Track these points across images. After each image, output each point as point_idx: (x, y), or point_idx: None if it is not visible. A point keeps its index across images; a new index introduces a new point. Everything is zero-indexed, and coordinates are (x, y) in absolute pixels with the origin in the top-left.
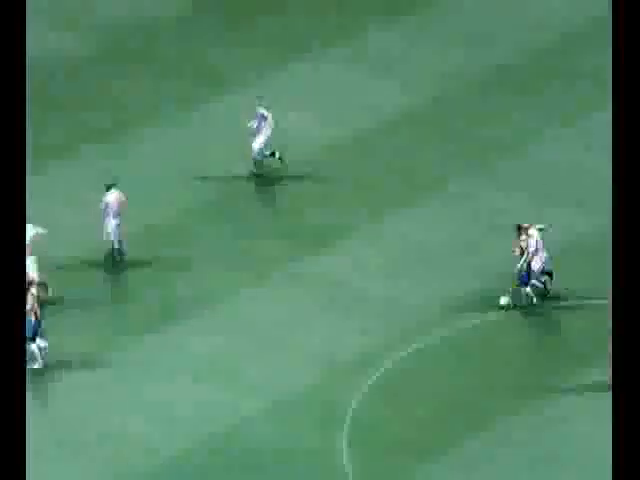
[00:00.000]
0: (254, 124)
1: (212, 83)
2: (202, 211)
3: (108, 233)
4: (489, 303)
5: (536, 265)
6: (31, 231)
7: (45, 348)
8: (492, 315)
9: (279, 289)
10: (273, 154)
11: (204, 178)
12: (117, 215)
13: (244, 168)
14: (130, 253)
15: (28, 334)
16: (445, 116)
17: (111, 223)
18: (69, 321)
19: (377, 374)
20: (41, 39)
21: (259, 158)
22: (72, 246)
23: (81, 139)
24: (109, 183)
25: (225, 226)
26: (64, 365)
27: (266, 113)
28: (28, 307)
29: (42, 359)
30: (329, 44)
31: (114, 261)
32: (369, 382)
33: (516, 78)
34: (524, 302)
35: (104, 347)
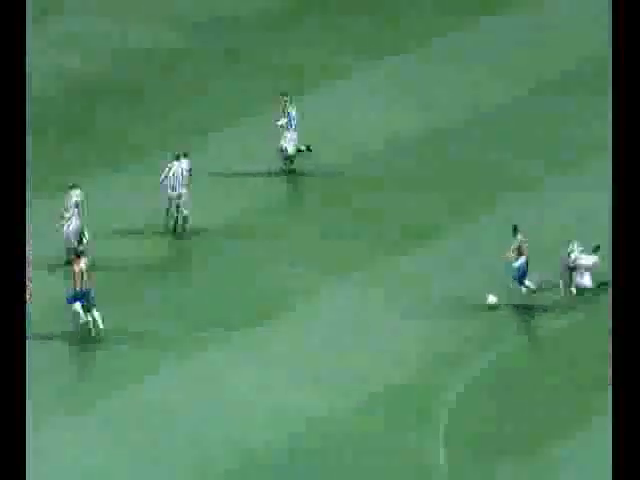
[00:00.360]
0: (284, 122)
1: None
2: (282, 209)
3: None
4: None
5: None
6: (77, 197)
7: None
8: (580, 315)
9: (365, 288)
10: (308, 148)
11: (281, 175)
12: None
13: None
14: (210, 248)
15: (71, 302)
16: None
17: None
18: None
19: (473, 373)
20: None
21: (291, 153)
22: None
23: (168, 133)
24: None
25: (309, 225)
26: (144, 353)
27: (294, 112)
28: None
29: (84, 324)
30: (423, 44)
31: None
32: (465, 382)
33: None
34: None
35: (194, 343)
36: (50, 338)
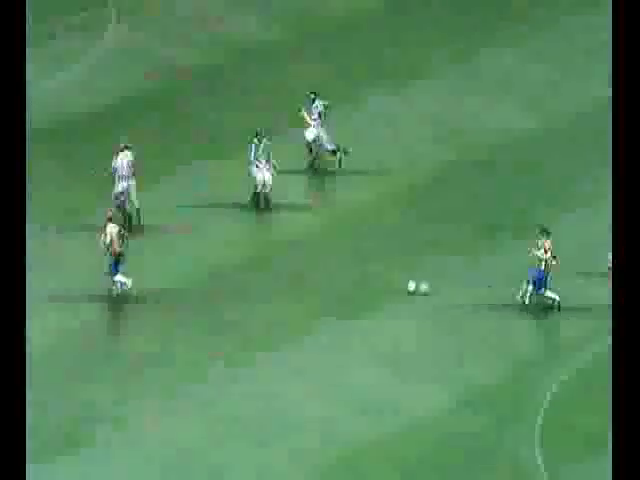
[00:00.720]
0: (313, 116)
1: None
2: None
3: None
4: None
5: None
6: (128, 157)
7: (124, 284)
8: None
9: (465, 282)
10: (338, 150)
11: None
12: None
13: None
14: (317, 244)
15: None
16: None
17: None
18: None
19: (568, 373)
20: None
21: (309, 140)
22: None
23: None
24: None
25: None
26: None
27: (321, 109)
28: (107, 242)
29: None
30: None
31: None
32: (560, 380)
33: None
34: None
35: (296, 330)
36: None
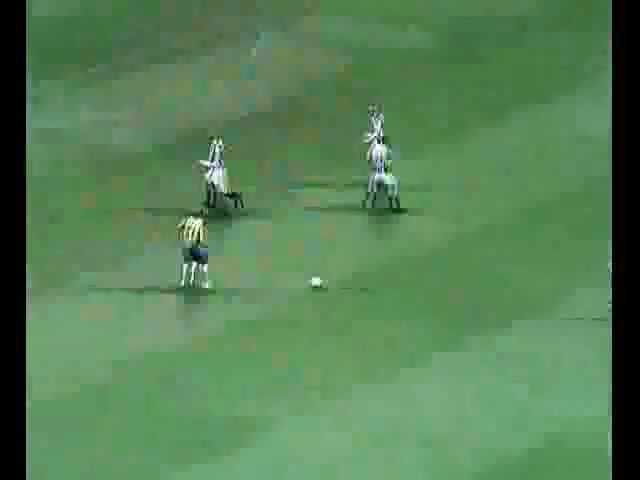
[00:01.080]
0: (371, 137)
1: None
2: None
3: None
4: None
5: None
6: (220, 147)
7: (196, 269)
8: None
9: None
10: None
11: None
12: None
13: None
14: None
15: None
16: None
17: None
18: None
19: None
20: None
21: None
22: None
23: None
24: None
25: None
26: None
27: (379, 125)
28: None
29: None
30: None
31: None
32: None
33: None
34: None
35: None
36: None
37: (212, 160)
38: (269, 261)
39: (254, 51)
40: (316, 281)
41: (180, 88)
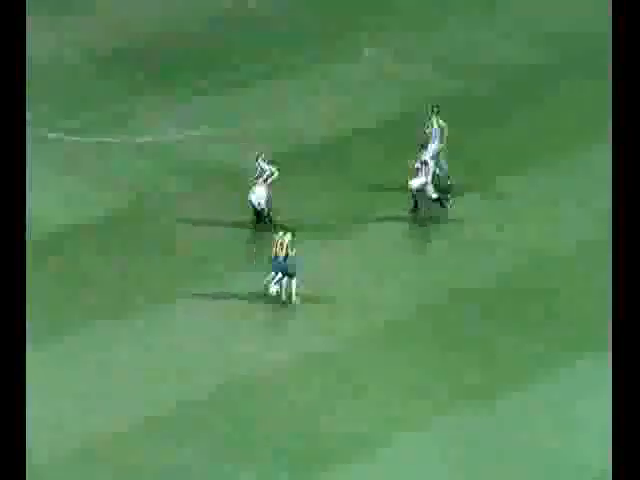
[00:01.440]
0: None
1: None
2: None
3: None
4: None
5: None
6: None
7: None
8: None
9: None
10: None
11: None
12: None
13: None
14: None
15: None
16: None
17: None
18: None
19: None
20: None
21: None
22: None
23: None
24: None
25: None
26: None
27: (436, 127)
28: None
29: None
30: None
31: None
32: None
33: None
34: None
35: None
36: None
37: (258, 177)
38: (368, 277)
39: (366, 51)
40: (274, 290)
41: (289, 103)
